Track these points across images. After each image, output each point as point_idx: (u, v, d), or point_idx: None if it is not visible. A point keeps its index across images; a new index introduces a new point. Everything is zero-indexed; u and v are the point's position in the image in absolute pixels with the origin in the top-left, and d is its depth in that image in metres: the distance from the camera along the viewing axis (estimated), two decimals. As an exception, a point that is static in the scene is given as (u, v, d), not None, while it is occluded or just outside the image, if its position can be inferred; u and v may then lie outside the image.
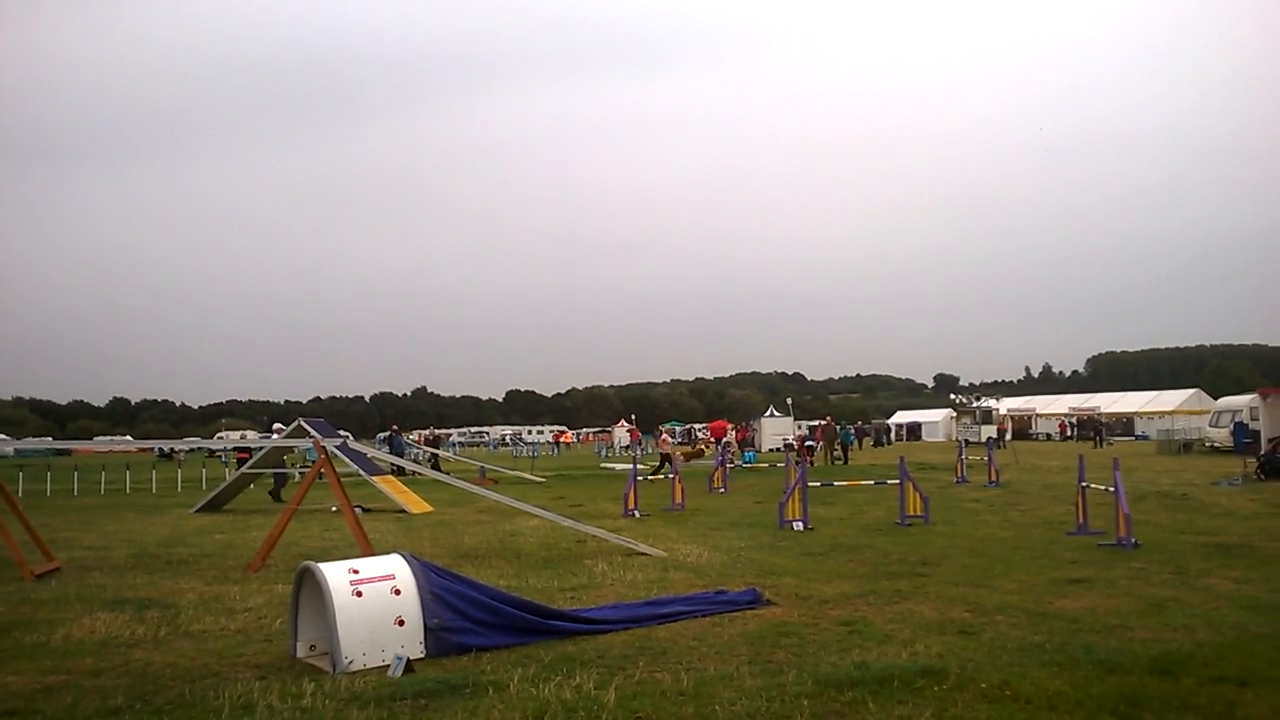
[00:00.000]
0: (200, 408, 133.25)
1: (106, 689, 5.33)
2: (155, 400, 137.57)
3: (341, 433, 18.89)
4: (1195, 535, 11.61)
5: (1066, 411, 61.99)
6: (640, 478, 16.69)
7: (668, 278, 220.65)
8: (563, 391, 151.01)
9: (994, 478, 20.51)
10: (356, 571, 5.93)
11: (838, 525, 13.35)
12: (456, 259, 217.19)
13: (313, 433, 15.52)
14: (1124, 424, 57.82)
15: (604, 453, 51.32)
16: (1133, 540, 10.42)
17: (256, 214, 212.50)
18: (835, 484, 18.35)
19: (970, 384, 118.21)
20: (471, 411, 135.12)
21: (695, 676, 5.32)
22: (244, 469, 19.25)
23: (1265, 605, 7.19)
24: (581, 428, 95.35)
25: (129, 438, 74.74)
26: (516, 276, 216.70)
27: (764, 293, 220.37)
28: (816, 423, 41.67)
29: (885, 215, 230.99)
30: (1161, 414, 53.63)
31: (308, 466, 17.13)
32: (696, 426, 70.36)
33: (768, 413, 49.59)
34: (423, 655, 5.81)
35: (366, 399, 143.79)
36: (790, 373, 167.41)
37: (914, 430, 69.60)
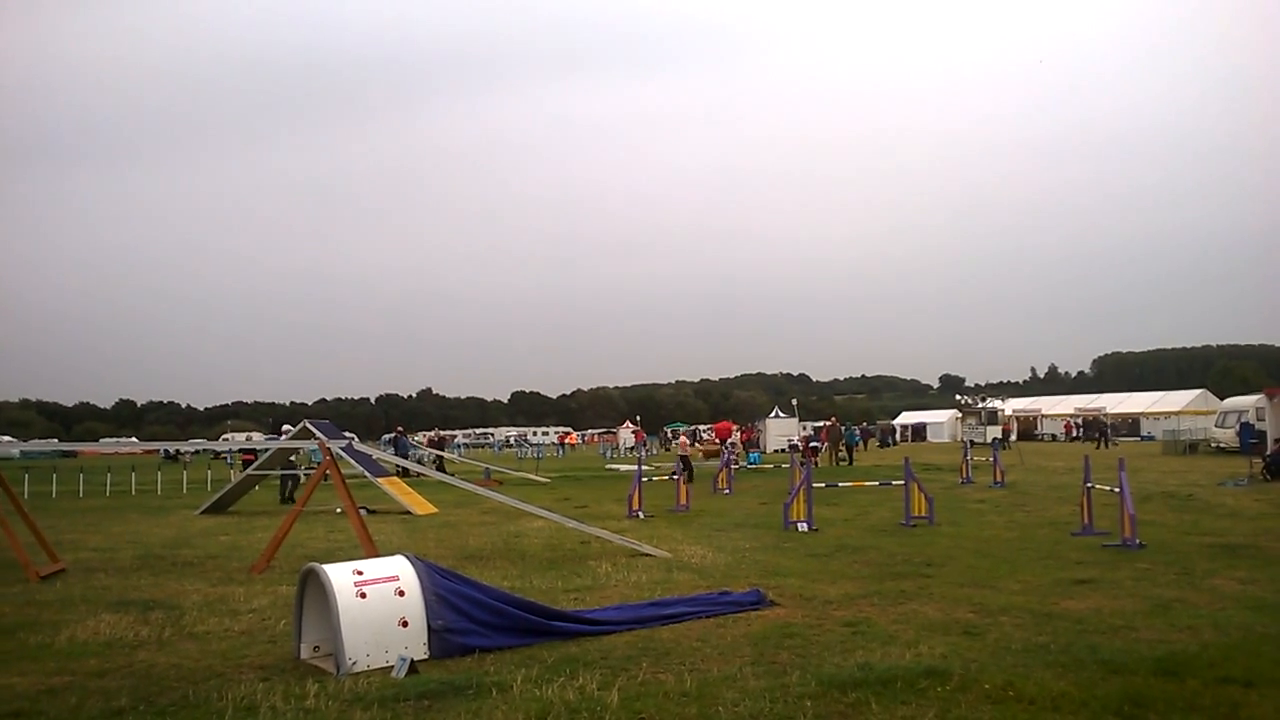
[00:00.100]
0: (206, 409, 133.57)
1: (111, 690, 5.35)
2: (161, 402, 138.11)
3: (347, 434, 18.94)
4: (1201, 536, 11.57)
5: (1072, 412, 61.72)
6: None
7: (669, 278, 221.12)
8: (568, 393, 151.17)
9: (999, 478, 20.46)
10: (361, 573, 5.94)
11: (842, 526, 13.34)
12: (457, 259, 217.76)
13: (318, 434, 15.57)
14: (1130, 424, 57.61)
15: (609, 454, 51.26)
16: (1138, 541, 10.40)
17: (257, 214, 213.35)
18: (840, 485, 18.30)
19: (975, 385, 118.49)
20: (476, 413, 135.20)
21: (698, 677, 5.32)
22: (249, 470, 19.31)
23: (1271, 606, 7.17)
24: (586, 429, 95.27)
25: (134, 439, 74.96)
26: (517, 277, 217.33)
27: (765, 293, 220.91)
28: (821, 423, 41.47)
29: (885, 215, 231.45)
30: (1167, 414, 53.34)
31: (314, 468, 17.17)
32: (702, 427, 70.25)
33: (773, 414, 49.46)
34: (426, 656, 5.82)
35: (372, 400, 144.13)
36: (795, 374, 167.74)
37: (919, 431, 69.40)
